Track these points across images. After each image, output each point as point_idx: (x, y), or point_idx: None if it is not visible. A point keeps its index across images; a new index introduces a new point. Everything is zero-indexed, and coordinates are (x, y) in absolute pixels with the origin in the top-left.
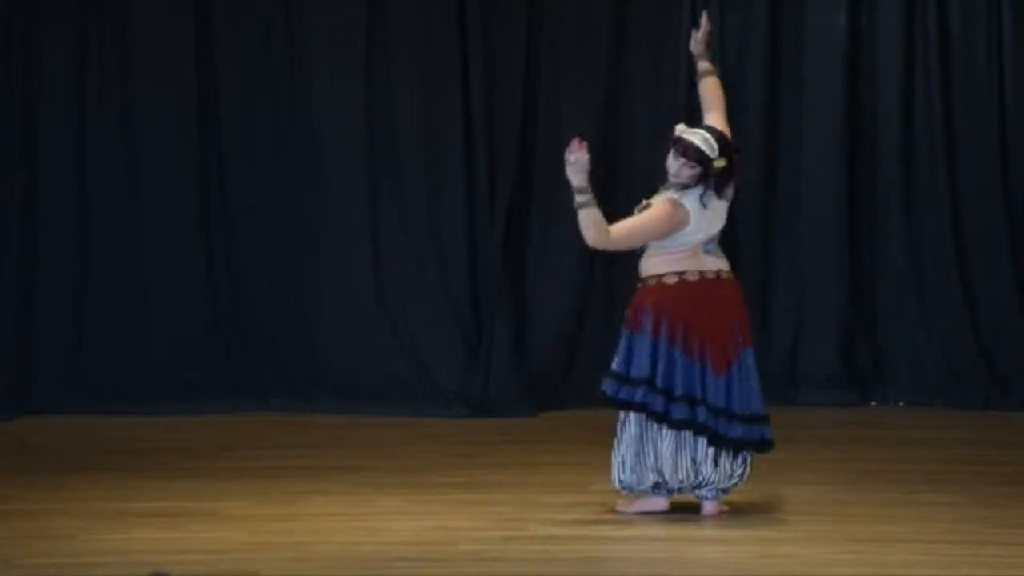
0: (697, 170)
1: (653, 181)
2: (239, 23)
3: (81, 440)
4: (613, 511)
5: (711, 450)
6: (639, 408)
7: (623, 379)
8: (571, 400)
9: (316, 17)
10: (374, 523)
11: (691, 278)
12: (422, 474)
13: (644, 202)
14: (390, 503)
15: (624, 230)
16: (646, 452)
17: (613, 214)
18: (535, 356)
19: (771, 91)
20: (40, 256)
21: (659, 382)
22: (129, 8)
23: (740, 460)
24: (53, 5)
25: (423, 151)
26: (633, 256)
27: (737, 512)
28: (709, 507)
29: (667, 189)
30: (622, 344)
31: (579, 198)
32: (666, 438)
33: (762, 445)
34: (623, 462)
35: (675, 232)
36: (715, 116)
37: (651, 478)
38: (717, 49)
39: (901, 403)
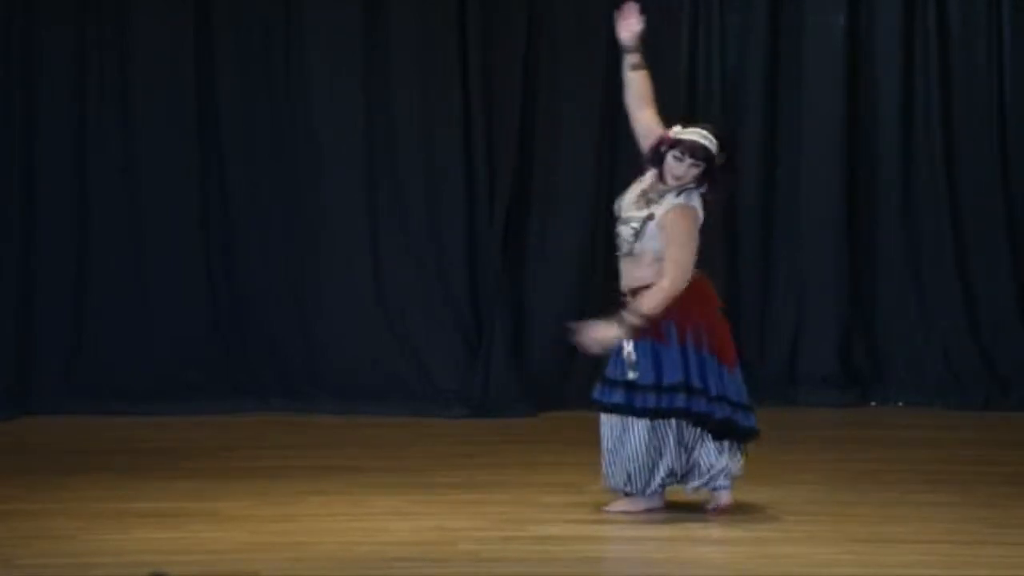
0: (702, 167)
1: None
2: (239, 23)
3: (81, 440)
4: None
5: (717, 442)
6: (681, 415)
7: (657, 388)
8: (571, 400)
9: (316, 17)
10: (373, 523)
11: (694, 278)
12: (421, 474)
13: (646, 211)
14: (389, 503)
15: (678, 269)
16: (623, 452)
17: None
18: (535, 356)
19: (771, 91)
20: (40, 256)
21: (696, 383)
22: (129, 8)
23: (738, 446)
24: (53, 5)
25: (422, 151)
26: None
27: (737, 512)
28: (725, 496)
29: (663, 195)
30: (639, 355)
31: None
32: (641, 438)
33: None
34: (611, 463)
35: None
36: (650, 112)
37: (624, 478)
38: (717, 49)
39: (900, 403)
